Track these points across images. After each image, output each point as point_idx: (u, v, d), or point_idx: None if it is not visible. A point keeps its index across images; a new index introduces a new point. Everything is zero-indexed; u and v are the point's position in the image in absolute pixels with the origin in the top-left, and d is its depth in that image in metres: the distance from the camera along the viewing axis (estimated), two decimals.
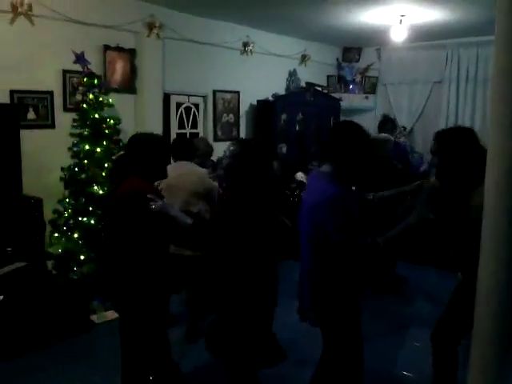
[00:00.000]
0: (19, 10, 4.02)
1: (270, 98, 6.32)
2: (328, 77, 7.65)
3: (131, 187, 2.55)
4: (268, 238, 2.52)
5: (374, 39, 6.77)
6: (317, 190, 2.33)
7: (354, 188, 2.66)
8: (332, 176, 2.28)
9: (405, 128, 7.07)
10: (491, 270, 1.79)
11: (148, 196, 2.45)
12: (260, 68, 6.37)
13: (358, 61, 7.71)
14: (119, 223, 2.56)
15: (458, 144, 2.54)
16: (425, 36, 6.37)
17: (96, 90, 4.13)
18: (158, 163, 2.63)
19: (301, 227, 2.45)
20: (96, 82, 4.15)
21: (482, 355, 1.85)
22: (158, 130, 5.22)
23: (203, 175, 3.67)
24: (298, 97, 6.58)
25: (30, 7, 4.06)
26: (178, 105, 5.54)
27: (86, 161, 4.03)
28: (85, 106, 4.09)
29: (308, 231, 2.35)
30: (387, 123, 5.74)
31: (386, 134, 4.92)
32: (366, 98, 7.61)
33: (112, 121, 4.20)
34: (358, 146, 2.27)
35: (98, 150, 4.06)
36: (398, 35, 5.51)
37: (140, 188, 2.52)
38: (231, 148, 2.53)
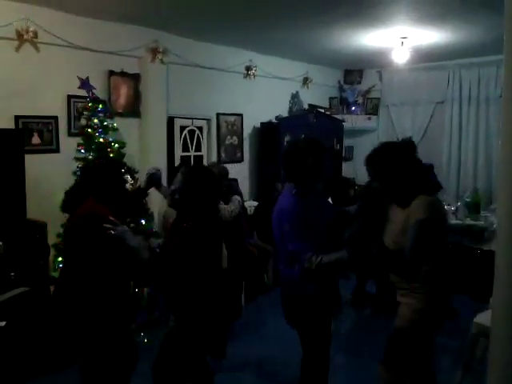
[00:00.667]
0: (24, 37, 4.07)
1: (273, 121, 6.35)
2: (330, 99, 7.70)
3: (89, 208, 2.45)
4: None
5: (376, 61, 6.82)
6: (283, 199, 2.66)
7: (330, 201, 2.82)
8: (292, 190, 2.60)
9: None
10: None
11: (109, 219, 2.34)
12: (263, 91, 6.42)
13: (359, 83, 7.76)
14: (76, 248, 2.44)
15: (390, 162, 2.51)
16: (426, 57, 6.42)
17: (101, 115, 4.16)
18: (115, 186, 2.58)
19: (273, 232, 2.69)
20: (101, 106, 4.17)
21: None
22: (162, 153, 5.25)
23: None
24: (300, 119, 6.61)
25: (35, 34, 4.11)
26: (182, 128, 5.57)
27: None
28: (89, 130, 4.11)
29: (276, 235, 2.64)
30: None
31: None
32: (369, 118, 7.65)
33: (117, 145, 4.21)
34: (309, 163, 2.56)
35: None
36: (400, 57, 5.55)
37: (98, 210, 2.42)
38: (182, 175, 2.50)
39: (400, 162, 2.47)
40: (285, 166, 2.68)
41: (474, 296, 4.93)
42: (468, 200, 5.60)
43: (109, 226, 2.32)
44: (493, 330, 1.88)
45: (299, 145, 2.68)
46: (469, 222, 5.39)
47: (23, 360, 3.43)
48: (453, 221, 5.47)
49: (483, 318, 3.17)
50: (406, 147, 2.56)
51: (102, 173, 2.57)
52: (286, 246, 2.55)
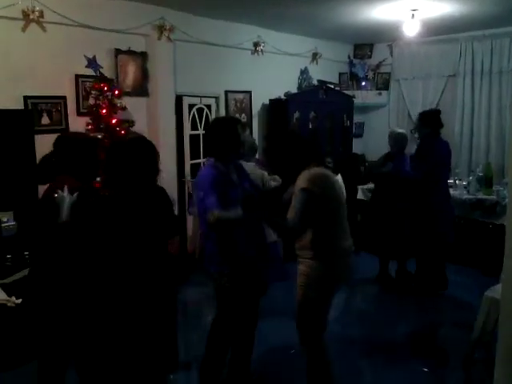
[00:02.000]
0: (31, 16, 4.05)
1: (282, 97, 6.29)
2: (340, 74, 7.59)
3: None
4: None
5: (386, 35, 6.70)
6: (200, 172, 2.94)
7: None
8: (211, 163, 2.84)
9: None
10: None
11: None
12: (271, 67, 6.35)
13: (369, 57, 7.64)
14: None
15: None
16: (437, 30, 6.29)
17: (109, 94, 4.15)
18: (88, 163, 2.59)
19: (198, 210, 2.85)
20: (108, 85, 4.17)
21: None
22: (170, 132, 5.25)
23: (263, 175, 3.74)
24: (310, 95, 6.54)
25: (41, 14, 4.09)
26: (191, 106, 5.54)
27: None
28: (98, 109, 4.11)
29: (199, 209, 2.75)
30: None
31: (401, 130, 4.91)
32: (379, 94, 7.54)
33: (125, 124, 4.22)
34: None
35: None
36: (411, 30, 5.43)
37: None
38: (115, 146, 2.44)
39: (280, 147, 2.86)
40: (204, 141, 3.08)
41: (485, 270, 4.92)
42: (480, 174, 5.56)
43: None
44: (503, 303, 1.88)
45: (219, 120, 3.11)
46: (481, 196, 5.36)
47: (37, 336, 3.50)
48: (464, 195, 5.45)
49: (494, 291, 3.17)
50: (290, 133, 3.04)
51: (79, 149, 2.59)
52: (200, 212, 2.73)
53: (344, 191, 2.79)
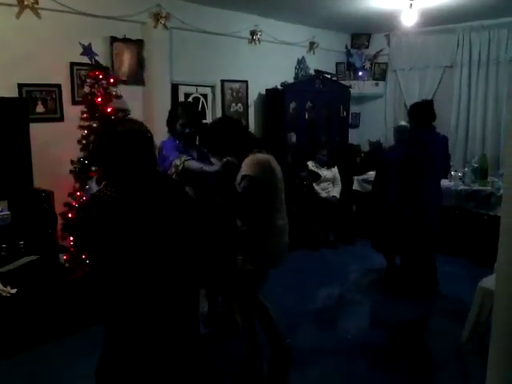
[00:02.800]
0: (25, 2, 4.01)
1: (279, 87, 6.26)
2: (337, 64, 7.56)
3: None
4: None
5: (383, 25, 6.67)
6: None
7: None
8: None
9: None
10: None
11: None
12: (268, 56, 6.31)
13: (367, 47, 7.60)
14: None
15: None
16: (435, 20, 6.26)
17: (104, 82, 4.12)
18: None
19: None
20: (104, 73, 4.13)
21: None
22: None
23: None
24: (307, 85, 6.52)
25: (35, 0, 4.04)
26: (187, 95, 5.51)
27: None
28: (93, 98, 4.08)
29: None
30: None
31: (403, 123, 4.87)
32: (376, 84, 7.52)
33: (120, 113, 4.18)
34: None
35: None
36: (409, 20, 5.40)
37: None
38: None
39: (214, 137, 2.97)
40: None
41: (478, 261, 4.95)
42: (475, 165, 5.57)
43: None
44: (497, 293, 1.89)
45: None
46: (476, 187, 5.38)
47: (33, 326, 3.51)
48: (460, 186, 5.46)
49: (488, 282, 3.19)
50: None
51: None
52: None
53: (281, 176, 2.94)
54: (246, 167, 2.78)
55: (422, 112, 4.30)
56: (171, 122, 3.51)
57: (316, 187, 5.92)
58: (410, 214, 4.28)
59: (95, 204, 1.93)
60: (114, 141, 2.01)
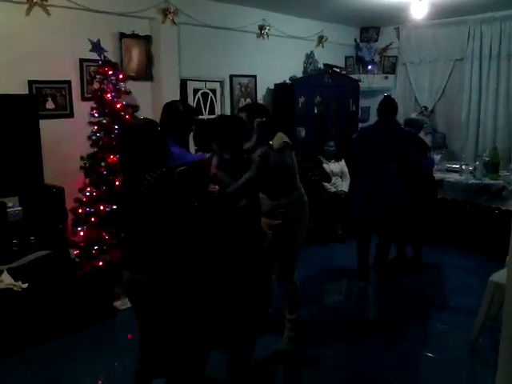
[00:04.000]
0: (34, 0, 4.02)
1: (288, 81, 6.24)
2: (346, 58, 7.51)
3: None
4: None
5: (393, 18, 6.61)
6: None
7: None
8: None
9: (426, 108, 6.92)
10: None
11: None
12: (277, 51, 6.28)
13: (376, 40, 7.54)
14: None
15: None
16: (445, 12, 6.19)
17: (113, 78, 4.13)
18: None
19: None
20: (113, 69, 4.14)
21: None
22: None
23: None
24: (315, 79, 6.48)
25: None
26: (195, 91, 5.50)
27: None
28: (102, 94, 4.10)
29: None
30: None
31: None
32: (386, 78, 7.46)
33: (130, 108, 4.20)
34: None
35: None
36: (418, 12, 5.35)
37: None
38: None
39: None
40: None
41: (490, 256, 4.91)
42: (487, 159, 5.52)
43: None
44: (508, 288, 1.87)
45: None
46: (487, 181, 5.33)
47: (45, 321, 3.54)
48: (470, 180, 5.42)
49: (499, 276, 3.17)
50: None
51: None
52: None
53: None
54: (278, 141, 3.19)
55: (381, 108, 4.58)
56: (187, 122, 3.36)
57: (325, 183, 5.92)
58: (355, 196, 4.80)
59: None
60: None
